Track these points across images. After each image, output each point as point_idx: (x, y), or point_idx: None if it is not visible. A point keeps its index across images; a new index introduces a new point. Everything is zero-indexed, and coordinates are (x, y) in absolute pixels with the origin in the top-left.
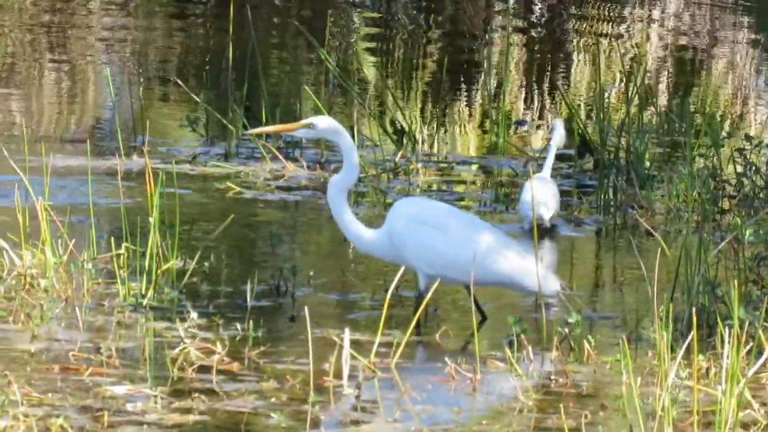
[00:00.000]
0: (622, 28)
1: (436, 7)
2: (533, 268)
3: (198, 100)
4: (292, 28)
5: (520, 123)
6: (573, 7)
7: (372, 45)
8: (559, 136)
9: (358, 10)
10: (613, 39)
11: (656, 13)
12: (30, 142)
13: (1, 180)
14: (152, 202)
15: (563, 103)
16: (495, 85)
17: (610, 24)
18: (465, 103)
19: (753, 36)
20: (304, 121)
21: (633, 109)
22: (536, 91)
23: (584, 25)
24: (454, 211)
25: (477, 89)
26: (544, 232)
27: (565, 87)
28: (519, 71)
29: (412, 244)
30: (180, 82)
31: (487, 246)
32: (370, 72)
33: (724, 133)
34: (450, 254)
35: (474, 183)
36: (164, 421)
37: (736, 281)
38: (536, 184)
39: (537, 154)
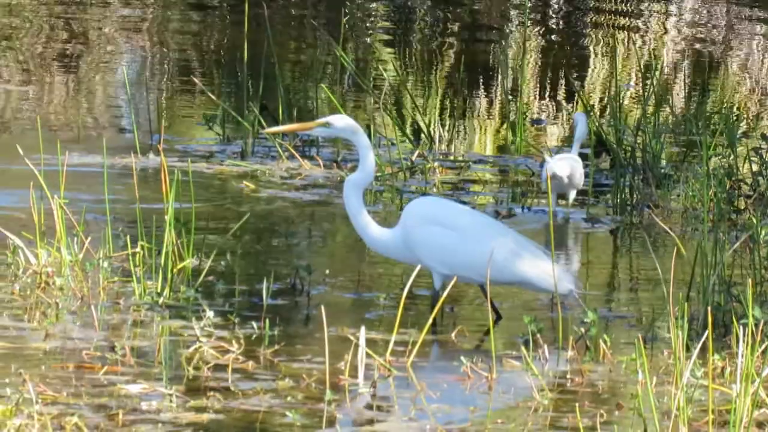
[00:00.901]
0: (639, 22)
1: (453, 2)
2: (547, 268)
3: (214, 99)
4: (308, 25)
5: (537, 122)
6: (591, 1)
7: (389, 41)
8: (582, 130)
9: (375, 6)
10: (630, 33)
11: (673, 8)
12: (45, 139)
13: (16, 176)
14: (167, 200)
15: (580, 101)
16: (511, 83)
17: (628, 18)
18: (481, 101)
19: None
20: (320, 120)
21: (649, 108)
22: (553, 89)
23: (601, 20)
24: (467, 210)
25: (494, 87)
26: (561, 228)
27: (582, 85)
28: (536, 69)
29: (425, 244)
30: (197, 81)
31: (500, 246)
32: (386, 69)
33: (740, 132)
34: (464, 254)
35: (490, 182)
36: (179, 420)
37: (751, 280)
38: (561, 156)
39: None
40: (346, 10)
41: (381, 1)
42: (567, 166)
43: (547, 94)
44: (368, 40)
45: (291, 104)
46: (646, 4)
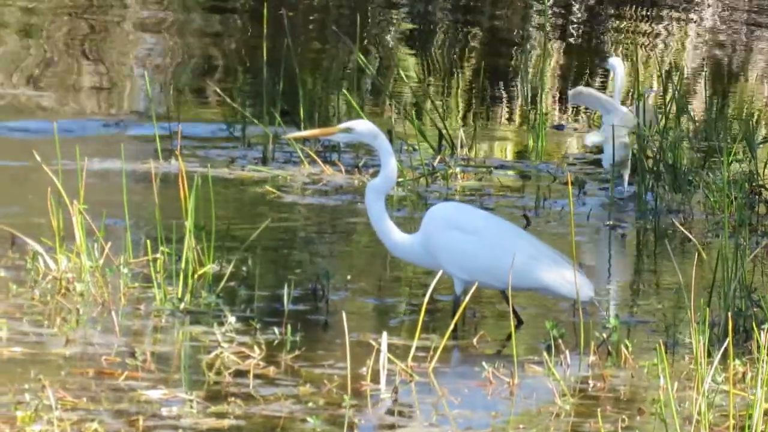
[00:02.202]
0: (660, 28)
1: (474, 7)
2: (567, 275)
3: (235, 105)
4: (329, 30)
5: (558, 127)
6: (611, 8)
7: (409, 46)
8: (620, 77)
9: (396, 12)
10: (651, 39)
11: (693, 16)
12: (64, 143)
13: (35, 182)
14: (186, 205)
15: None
16: (532, 89)
17: (648, 25)
18: (502, 106)
19: None
20: (342, 126)
21: (670, 114)
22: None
23: (622, 26)
24: (488, 216)
25: (514, 92)
26: (582, 234)
27: (603, 91)
28: (556, 74)
29: (446, 249)
30: (218, 90)
31: (521, 252)
32: (407, 75)
33: (760, 138)
34: (484, 260)
35: (512, 188)
36: (199, 426)
37: None
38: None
39: (574, 159)
40: (368, 16)
41: (402, 8)
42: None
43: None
44: (389, 44)
45: (312, 109)
46: (667, 11)
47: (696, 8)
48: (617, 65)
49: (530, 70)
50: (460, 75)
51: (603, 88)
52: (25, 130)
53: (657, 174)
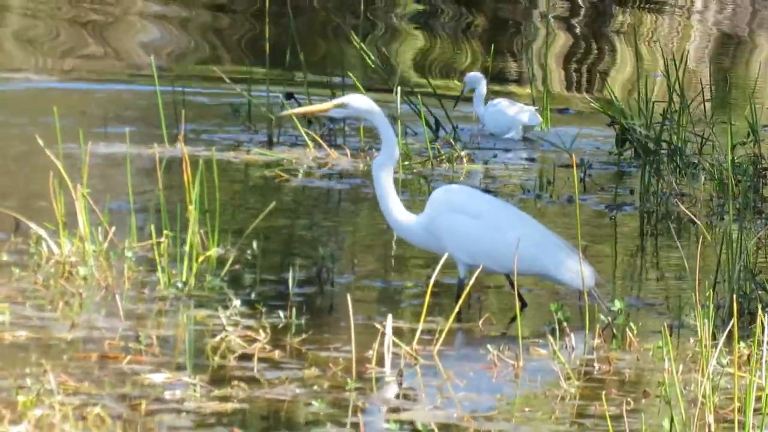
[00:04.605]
0: (666, 11)
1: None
2: (570, 261)
3: (238, 90)
4: (333, 14)
5: (562, 111)
6: None
7: (414, 30)
8: (482, 89)
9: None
10: (656, 23)
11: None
12: (69, 128)
13: (39, 166)
14: (190, 189)
15: (606, 91)
16: (537, 73)
17: (653, 9)
18: (507, 90)
19: None
20: (336, 101)
21: (675, 97)
22: (578, 78)
23: (627, 10)
24: (492, 200)
25: (519, 76)
26: (586, 217)
27: (608, 74)
28: (561, 58)
29: (449, 232)
30: (221, 74)
31: (524, 237)
32: (412, 58)
33: (765, 121)
34: (486, 243)
35: (517, 171)
36: (203, 409)
37: None
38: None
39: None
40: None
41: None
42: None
43: (574, 83)
44: (394, 27)
45: (317, 92)
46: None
47: None
48: (476, 80)
49: (536, 51)
50: (464, 59)
51: (609, 67)
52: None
53: (661, 156)
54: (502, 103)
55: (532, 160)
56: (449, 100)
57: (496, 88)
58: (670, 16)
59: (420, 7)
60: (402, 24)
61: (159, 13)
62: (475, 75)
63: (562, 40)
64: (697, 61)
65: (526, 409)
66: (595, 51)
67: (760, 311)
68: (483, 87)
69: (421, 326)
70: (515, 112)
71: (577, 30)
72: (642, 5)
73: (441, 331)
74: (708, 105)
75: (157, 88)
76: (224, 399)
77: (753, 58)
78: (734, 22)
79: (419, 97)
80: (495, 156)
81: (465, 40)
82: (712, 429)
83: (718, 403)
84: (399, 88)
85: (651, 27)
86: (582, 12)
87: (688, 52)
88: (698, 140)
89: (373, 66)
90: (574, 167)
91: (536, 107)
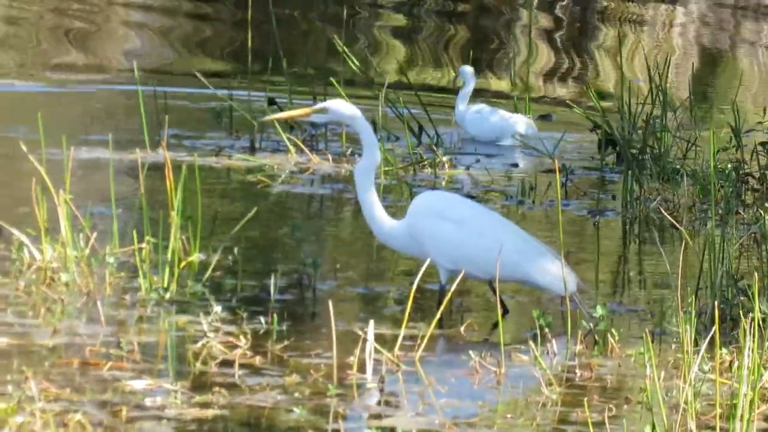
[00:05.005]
0: (648, 17)
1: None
2: (553, 268)
3: (219, 95)
4: (315, 18)
5: (545, 117)
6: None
7: (396, 35)
8: (471, 84)
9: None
10: (638, 28)
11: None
12: (52, 134)
13: (21, 172)
14: (172, 195)
15: (588, 96)
16: (520, 79)
17: (636, 15)
18: (489, 95)
19: None
20: (317, 106)
21: (657, 102)
22: (561, 83)
23: (610, 16)
24: (474, 206)
25: (502, 81)
26: (568, 222)
27: (590, 78)
28: (543, 68)
29: (431, 237)
30: (201, 77)
31: (506, 243)
32: (394, 63)
33: (747, 126)
34: (469, 250)
35: (499, 176)
36: (183, 416)
37: (756, 274)
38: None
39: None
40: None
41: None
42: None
43: (556, 89)
44: (377, 31)
45: (299, 98)
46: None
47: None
48: (468, 74)
49: (518, 56)
50: (446, 63)
51: (592, 72)
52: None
53: (643, 162)
54: (483, 108)
55: (514, 165)
56: (431, 104)
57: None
58: (651, 30)
59: (402, 19)
60: (383, 35)
61: (141, 21)
62: (468, 69)
63: (544, 53)
64: (679, 72)
65: (508, 416)
66: (578, 62)
67: (742, 317)
68: (471, 84)
69: (402, 332)
70: (503, 119)
71: (559, 43)
72: (624, 19)
73: (423, 337)
74: (691, 110)
75: (140, 92)
76: (205, 405)
77: (734, 71)
78: (715, 36)
79: (402, 102)
80: (477, 161)
81: (446, 51)
82: None
83: (699, 409)
84: (382, 93)
85: (633, 41)
86: (564, 26)
87: (670, 60)
88: (681, 145)
89: (356, 70)
90: (557, 172)
91: (522, 115)
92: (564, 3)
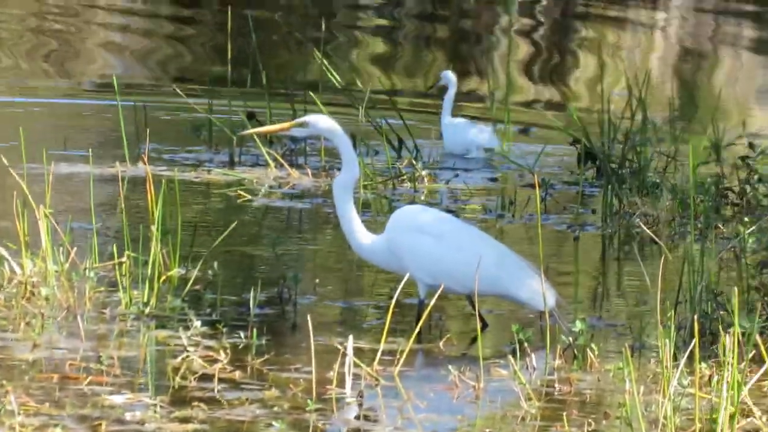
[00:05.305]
0: (628, 30)
1: (442, 11)
2: (532, 282)
3: (199, 109)
4: (296, 35)
5: (524, 130)
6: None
7: (376, 50)
8: (453, 89)
9: (364, 14)
10: (618, 41)
11: (660, 15)
12: (33, 149)
13: (4, 186)
14: (153, 209)
15: (567, 110)
16: (499, 92)
17: (616, 27)
18: (469, 109)
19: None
20: (297, 120)
21: (637, 116)
22: (540, 98)
23: (590, 27)
24: (453, 220)
25: (481, 95)
26: (548, 236)
27: (570, 94)
28: (523, 77)
29: (410, 252)
30: (179, 91)
31: (486, 258)
32: (375, 77)
33: (727, 141)
34: (448, 264)
35: (479, 190)
36: (163, 431)
37: (736, 289)
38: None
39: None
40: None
41: (369, 10)
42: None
43: (535, 102)
44: (357, 44)
45: (278, 111)
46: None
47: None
48: (451, 78)
49: (497, 70)
50: (426, 76)
51: (571, 86)
52: None
53: (623, 176)
54: (460, 122)
55: (493, 179)
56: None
57: (461, 103)
58: (632, 31)
59: (383, 21)
60: (364, 37)
61: (121, 36)
62: (450, 73)
63: (524, 54)
64: (660, 75)
65: (487, 430)
66: (558, 64)
67: (722, 332)
68: (453, 91)
69: (381, 347)
70: (473, 132)
71: (540, 44)
72: (604, 20)
73: (402, 352)
74: (672, 124)
75: (119, 107)
76: (185, 420)
77: (716, 73)
78: (697, 38)
79: (382, 115)
80: (457, 176)
81: (428, 50)
82: None
83: (679, 424)
84: (362, 108)
85: (614, 41)
86: (544, 27)
87: (650, 70)
88: (662, 159)
89: (338, 85)
90: (537, 187)
91: (497, 126)
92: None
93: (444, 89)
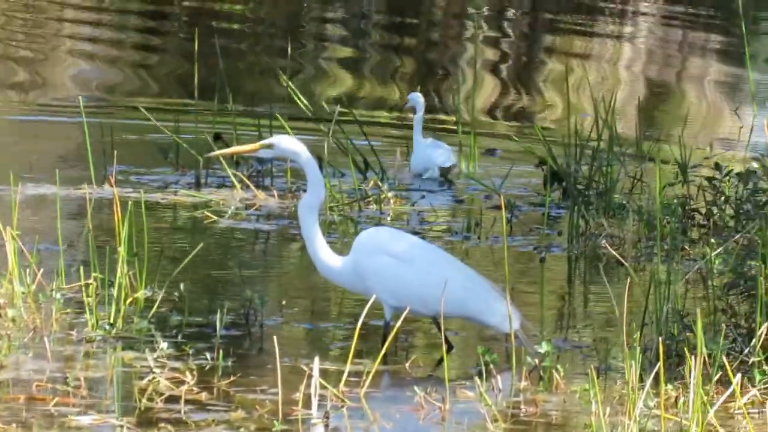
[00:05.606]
0: (594, 48)
1: (408, 29)
2: (497, 305)
3: (165, 130)
4: (262, 52)
5: (490, 152)
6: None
7: (342, 67)
8: (421, 110)
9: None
10: (585, 60)
11: (627, 30)
12: None
13: None
14: (120, 231)
15: (534, 131)
16: (465, 112)
17: (583, 45)
18: (434, 130)
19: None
20: (263, 142)
21: (603, 137)
22: (507, 118)
23: (556, 45)
24: (419, 242)
25: (447, 115)
26: (514, 258)
27: (536, 114)
28: (489, 101)
29: (375, 274)
30: (145, 112)
31: (451, 280)
32: (340, 96)
33: (693, 162)
34: (414, 287)
35: (444, 212)
36: None
37: (699, 310)
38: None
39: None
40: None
41: (334, 24)
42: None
43: (502, 123)
44: (322, 63)
45: (245, 133)
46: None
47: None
48: (418, 100)
49: (464, 90)
50: (392, 97)
51: (538, 108)
52: None
53: (589, 197)
54: (425, 141)
55: (459, 201)
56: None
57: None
58: (597, 64)
59: (348, 51)
60: (330, 66)
61: (88, 54)
62: (418, 95)
63: (490, 85)
64: (626, 105)
65: None
66: (524, 94)
67: (687, 353)
68: (421, 112)
69: (348, 368)
70: (431, 151)
71: (505, 75)
72: (570, 53)
73: (368, 373)
74: (638, 145)
75: (86, 128)
76: None
77: (681, 104)
78: (662, 71)
79: (346, 136)
80: (423, 197)
81: (393, 81)
82: None
83: None
84: (330, 129)
85: (580, 74)
86: (510, 59)
87: (616, 95)
88: (628, 181)
89: (304, 107)
90: (503, 208)
91: (458, 148)
92: (510, 39)
93: (413, 110)
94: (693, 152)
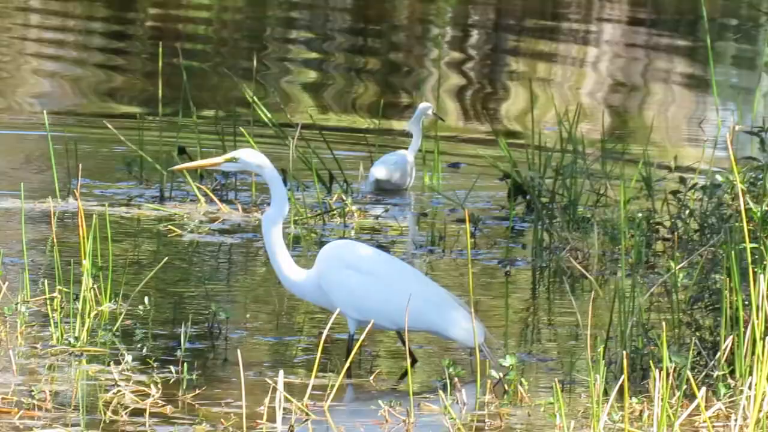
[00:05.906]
0: (557, 64)
1: (372, 46)
2: (460, 318)
3: (129, 144)
4: (227, 67)
5: (454, 165)
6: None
7: (306, 83)
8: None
9: (293, 48)
10: (550, 73)
11: (592, 51)
12: None
13: None
14: (84, 244)
15: (498, 144)
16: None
17: (546, 61)
18: (399, 144)
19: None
20: (227, 155)
21: (567, 150)
22: (471, 129)
23: (519, 62)
24: (382, 256)
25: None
26: (478, 272)
27: (500, 128)
28: (453, 111)
29: (339, 288)
30: (109, 126)
31: (415, 294)
32: (305, 112)
33: (658, 175)
34: (377, 301)
35: (408, 226)
36: None
37: (664, 324)
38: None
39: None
40: (264, 53)
41: (298, 45)
42: (385, 170)
43: (466, 136)
44: (287, 80)
45: (209, 146)
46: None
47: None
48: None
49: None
50: (356, 111)
51: (501, 121)
52: None
53: (553, 211)
54: (396, 153)
55: (424, 214)
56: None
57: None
58: (563, 65)
59: (313, 55)
60: (295, 68)
61: (52, 69)
62: (427, 105)
63: (455, 87)
64: (591, 108)
65: None
66: (489, 96)
67: (652, 367)
68: (420, 126)
69: (312, 381)
70: (377, 163)
71: (470, 76)
72: (534, 55)
73: (332, 386)
74: (602, 158)
75: (50, 141)
76: None
77: (647, 105)
78: (628, 72)
79: (314, 154)
80: (386, 210)
81: (359, 81)
82: None
83: None
84: (293, 143)
85: (545, 76)
86: (474, 61)
87: (581, 105)
88: (592, 194)
89: (269, 124)
90: (467, 222)
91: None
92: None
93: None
94: (657, 165)
